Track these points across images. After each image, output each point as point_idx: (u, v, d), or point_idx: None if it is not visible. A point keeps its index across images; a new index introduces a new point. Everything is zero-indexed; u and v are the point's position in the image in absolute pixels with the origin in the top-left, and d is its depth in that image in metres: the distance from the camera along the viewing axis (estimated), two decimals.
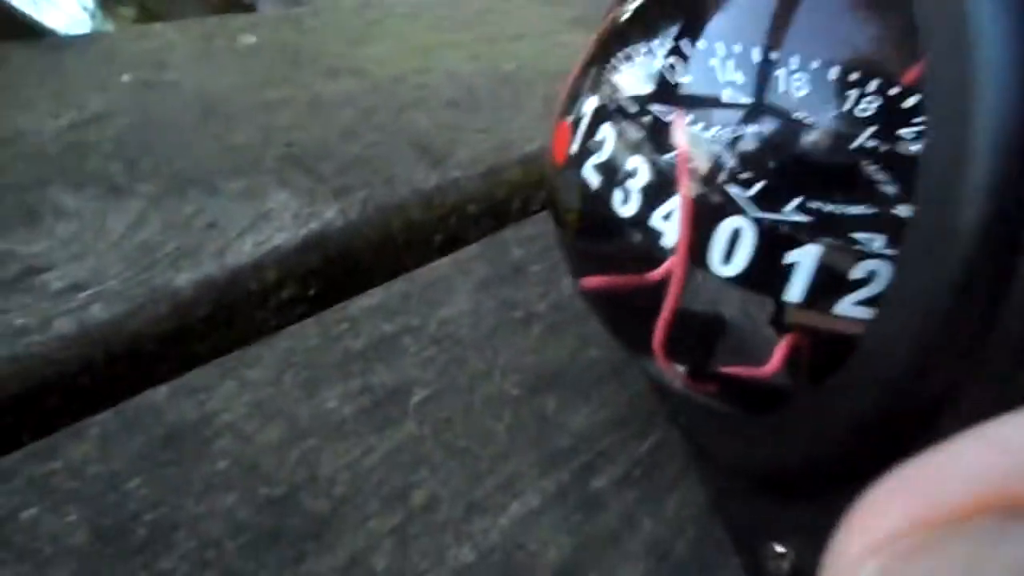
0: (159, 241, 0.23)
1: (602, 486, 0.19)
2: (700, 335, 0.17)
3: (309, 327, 0.22)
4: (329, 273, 0.25)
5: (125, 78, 0.31)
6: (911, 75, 0.20)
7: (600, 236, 0.18)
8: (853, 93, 0.20)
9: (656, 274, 0.16)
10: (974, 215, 0.12)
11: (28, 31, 0.32)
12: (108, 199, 0.24)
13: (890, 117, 0.20)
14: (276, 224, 0.25)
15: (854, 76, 0.20)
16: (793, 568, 0.16)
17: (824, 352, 0.16)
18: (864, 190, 0.17)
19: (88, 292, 0.21)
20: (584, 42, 0.20)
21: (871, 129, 0.19)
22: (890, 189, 0.17)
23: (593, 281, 0.19)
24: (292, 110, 0.31)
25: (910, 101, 0.20)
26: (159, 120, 0.29)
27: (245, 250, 0.24)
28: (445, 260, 0.25)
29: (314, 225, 0.25)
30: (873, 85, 0.20)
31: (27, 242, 0.22)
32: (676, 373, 0.18)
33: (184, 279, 0.22)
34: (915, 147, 0.19)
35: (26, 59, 0.31)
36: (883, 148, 0.19)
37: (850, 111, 0.20)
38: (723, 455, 0.18)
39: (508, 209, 0.30)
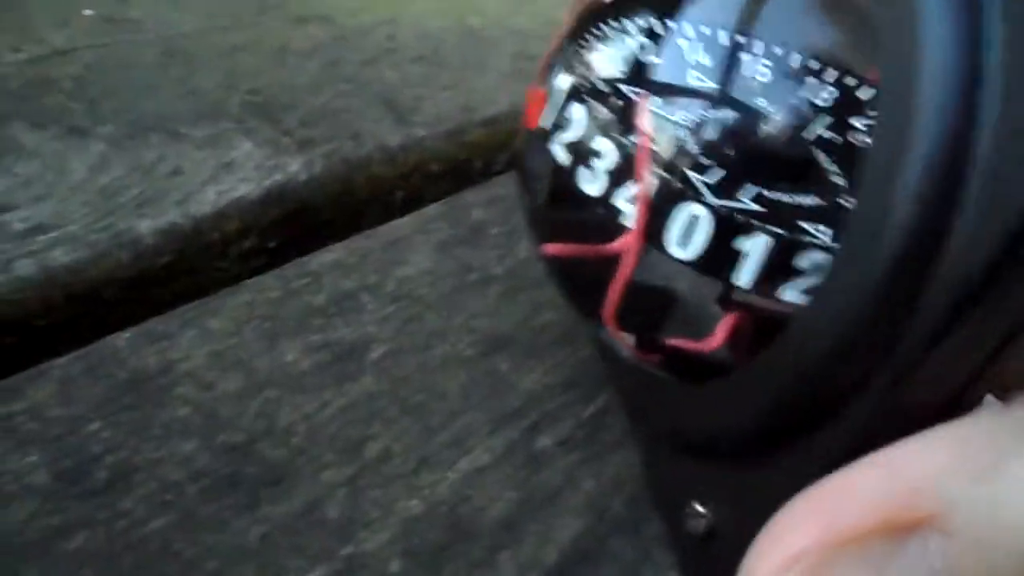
0: (121, 186, 0.23)
1: (547, 445, 0.20)
2: (650, 308, 0.18)
3: (270, 280, 0.22)
4: (290, 226, 0.25)
5: (87, 12, 0.30)
6: (872, 70, 0.21)
7: (564, 208, 0.19)
8: (812, 82, 0.21)
9: (613, 247, 0.17)
10: (905, 213, 0.13)
11: None
12: (70, 140, 0.24)
13: (846, 109, 0.21)
14: (239, 175, 0.25)
15: (814, 65, 0.21)
16: (708, 527, 0.17)
17: (765, 333, 0.17)
18: (816, 181, 0.18)
19: (49, 235, 0.21)
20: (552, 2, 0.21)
21: (827, 120, 0.20)
22: (840, 181, 0.18)
23: (554, 248, 0.20)
24: (257, 57, 0.31)
25: (866, 94, 0.21)
26: (121, 59, 0.28)
27: (208, 199, 0.24)
28: (406, 219, 0.26)
29: (278, 177, 0.25)
30: (831, 75, 0.21)
31: None
32: (624, 341, 0.19)
33: (146, 226, 0.22)
34: (867, 140, 0.20)
35: None
36: (837, 139, 0.20)
37: (807, 100, 0.21)
38: (655, 420, 0.19)
39: (469, 170, 0.30)
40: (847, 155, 0.19)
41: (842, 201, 0.18)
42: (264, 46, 0.32)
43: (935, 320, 0.13)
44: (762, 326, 0.17)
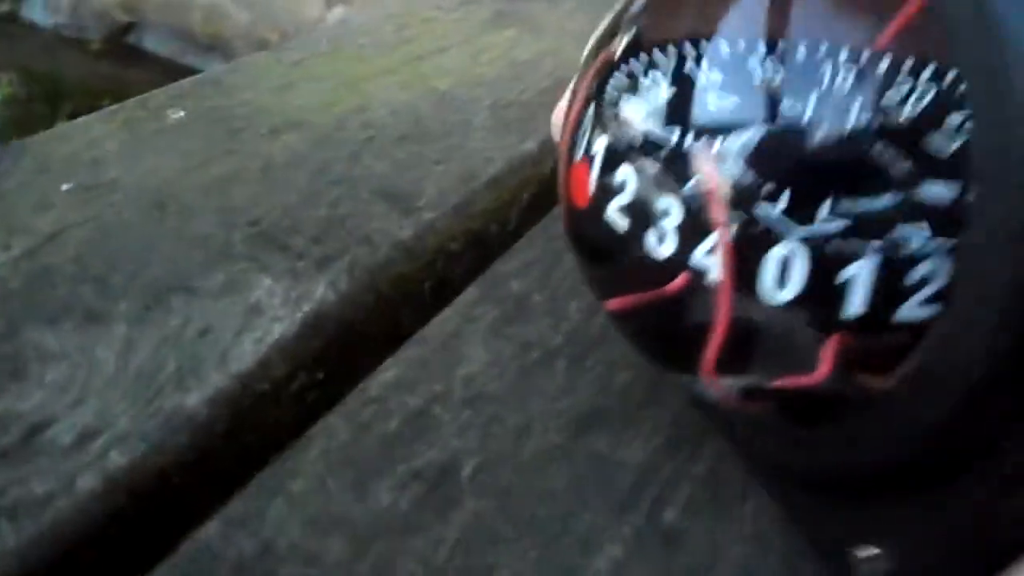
0: (156, 364, 0.22)
1: (675, 518, 0.19)
2: (753, 354, 0.17)
3: (336, 420, 0.21)
4: (334, 352, 0.24)
5: (65, 187, 0.29)
6: (883, 39, 0.20)
7: (637, 275, 0.17)
8: (827, 69, 0.20)
9: (705, 302, 0.16)
10: None
11: None
12: (89, 329, 0.23)
13: (872, 85, 0.20)
14: (269, 315, 0.24)
15: (856, 59, 0.20)
16: (891, 567, 0.16)
17: (881, 355, 0.16)
18: (878, 173, 0.17)
19: (100, 440, 0.20)
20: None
21: (857, 102, 0.19)
22: (903, 166, 0.17)
23: (622, 302, 0.19)
24: (244, 184, 0.30)
25: (884, 64, 0.20)
26: (112, 226, 0.27)
27: (246, 351, 0.23)
28: (448, 312, 0.24)
29: (307, 307, 0.24)
30: (844, 55, 0.20)
31: (20, 397, 0.21)
32: (727, 392, 0.18)
33: (194, 400, 0.21)
34: (906, 112, 0.19)
35: None
36: (876, 121, 0.19)
37: (829, 89, 0.20)
38: (791, 466, 0.18)
39: (488, 237, 0.29)
40: (894, 133, 0.18)
41: (917, 186, 0.17)
42: (247, 171, 0.31)
43: None
44: (875, 350, 0.16)
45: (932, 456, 0.15)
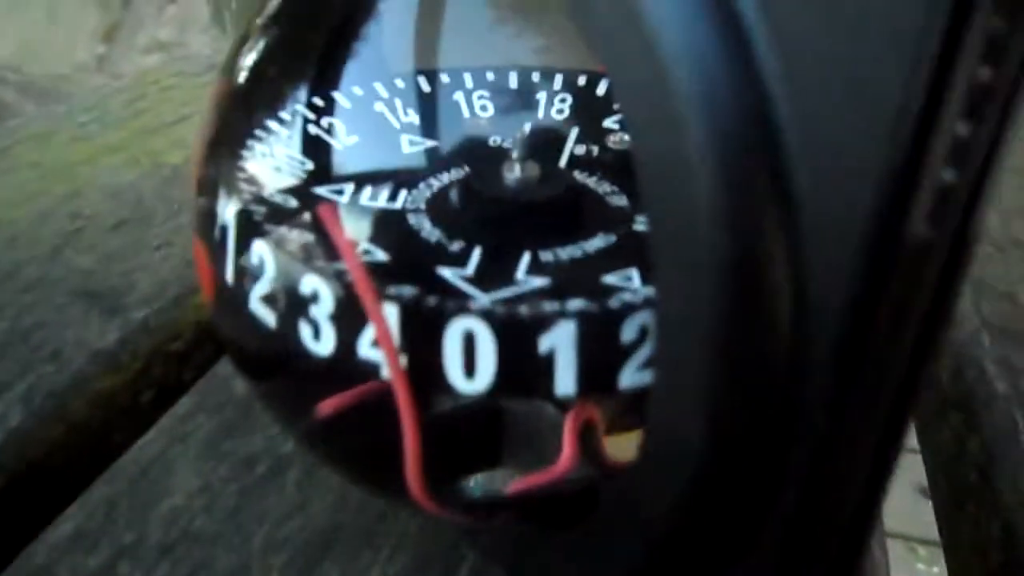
0: None
1: None
2: (467, 463, 0.13)
3: None
4: (13, 496, 0.19)
5: None
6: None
7: (304, 383, 0.14)
8: (543, 96, 0.17)
9: (384, 407, 0.12)
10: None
11: None
12: None
13: (588, 112, 0.17)
14: None
15: (535, 77, 0.17)
16: None
17: (623, 428, 0.13)
18: (593, 211, 0.15)
19: None
20: None
21: (575, 131, 0.16)
22: (619, 201, 0.15)
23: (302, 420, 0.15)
24: None
25: (603, 89, 0.17)
26: None
27: None
28: (151, 434, 0.20)
29: None
30: (559, 82, 0.17)
31: None
32: (453, 513, 0.14)
33: None
34: (621, 141, 0.16)
35: None
36: (596, 149, 0.16)
37: (547, 117, 0.17)
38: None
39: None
40: (609, 165, 0.16)
41: (631, 224, 0.14)
42: None
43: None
44: (614, 425, 0.13)
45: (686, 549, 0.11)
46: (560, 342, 0.12)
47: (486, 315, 0.12)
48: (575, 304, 0.12)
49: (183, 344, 0.24)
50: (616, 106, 0.11)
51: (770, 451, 0.10)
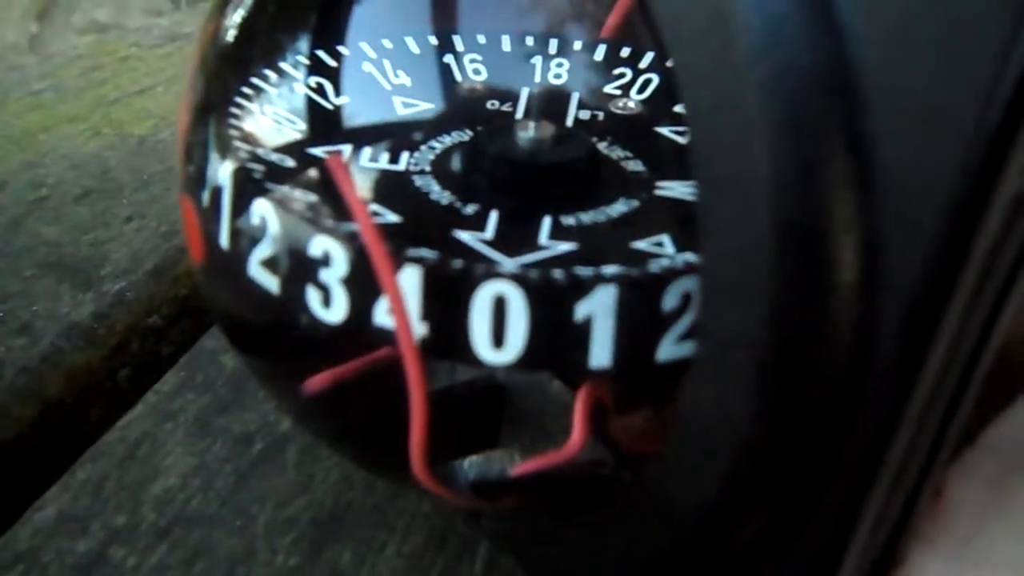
0: None
1: None
2: (475, 440, 0.13)
3: None
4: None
5: None
6: (606, 28, 0.17)
7: (308, 354, 0.13)
8: (539, 60, 0.16)
9: (397, 377, 0.11)
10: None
11: None
12: None
13: (594, 75, 0.17)
14: None
15: (530, 41, 0.17)
16: None
17: (644, 415, 0.12)
18: (610, 176, 0.14)
19: None
20: None
21: (576, 95, 0.16)
22: (635, 166, 0.14)
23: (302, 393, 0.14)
24: None
25: (602, 53, 0.17)
26: None
27: None
28: (136, 412, 0.19)
29: None
30: (555, 46, 0.17)
31: None
32: (458, 496, 0.13)
33: None
34: (632, 104, 0.15)
35: None
36: (601, 114, 0.15)
37: (544, 79, 0.16)
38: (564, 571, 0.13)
39: (198, 305, 0.24)
40: (620, 126, 0.15)
41: (653, 188, 0.13)
42: None
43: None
44: (637, 402, 0.12)
45: (710, 544, 0.11)
46: (598, 309, 0.11)
47: (519, 280, 0.11)
48: (613, 269, 0.11)
49: (160, 319, 0.23)
50: (665, 42, 0.10)
51: (825, 435, 0.09)
